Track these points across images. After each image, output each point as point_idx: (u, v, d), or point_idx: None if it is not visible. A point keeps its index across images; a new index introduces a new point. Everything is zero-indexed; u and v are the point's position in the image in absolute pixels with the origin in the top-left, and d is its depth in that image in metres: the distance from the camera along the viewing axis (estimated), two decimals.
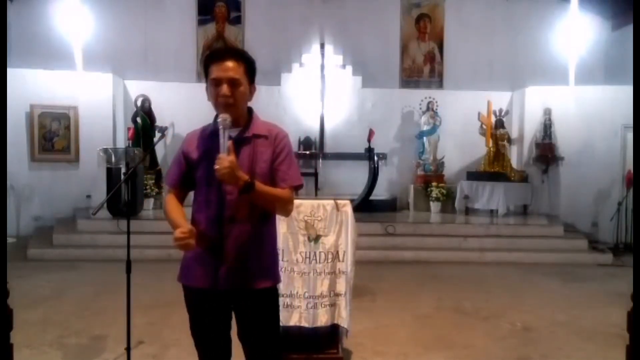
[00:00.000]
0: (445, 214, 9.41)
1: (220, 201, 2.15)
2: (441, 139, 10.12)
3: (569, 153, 9.53)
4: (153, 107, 9.45)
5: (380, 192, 9.68)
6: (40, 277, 6.25)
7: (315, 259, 3.52)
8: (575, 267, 7.36)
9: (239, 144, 2.14)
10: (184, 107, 9.22)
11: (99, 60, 9.36)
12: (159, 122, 9.18)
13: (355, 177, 9.44)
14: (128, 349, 3.44)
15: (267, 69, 9.05)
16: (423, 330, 4.65)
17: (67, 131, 9.12)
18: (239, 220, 2.15)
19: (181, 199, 2.29)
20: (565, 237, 8.33)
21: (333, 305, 3.53)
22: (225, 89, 2.12)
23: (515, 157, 10.13)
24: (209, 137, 2.21)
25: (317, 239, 3.53)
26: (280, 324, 2.43)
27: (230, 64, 2.14)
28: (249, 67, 2.20)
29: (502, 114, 9.82)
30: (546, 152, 9.59)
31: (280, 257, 3.20)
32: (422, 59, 10.90)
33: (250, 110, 2.27)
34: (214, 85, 2.14)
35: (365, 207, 8.53)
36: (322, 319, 3.50)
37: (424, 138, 10.09)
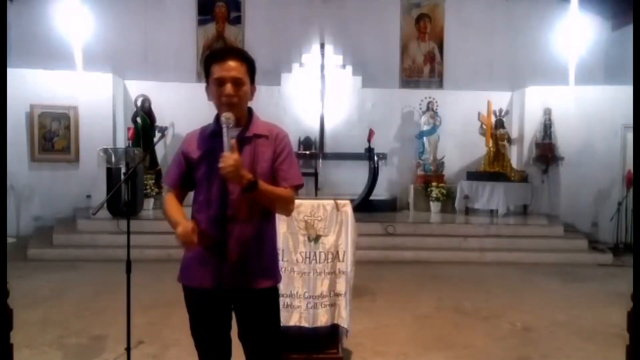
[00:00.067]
0: (445, 214, 9.41)
1: (221, 201, 2.15)
2: (441, 139, 10.12)
3: (569, 153, 9.53)
4: (153, 107, 9.46)
5: (380, 192, 9.68)
6: (40, 277, 6.25)
7: (315, 259, 3.52)
8: (575, 267, 7.36)
9: (240, 143, 2.14)
10: (184, 107, 9.22)
11: (99, 60, 9.36)
12: (159, 122, 9.18)
13: (355, 177, 9.45)
14: (128, 349, 3.44)
15: (267, 69, 9.06)
16: (423, 330, 4.65)
17: (67, 131, 9.12)
18: (241, 219, 2.15)
19: (181, 199, 2.29)
20: (565, 237, 8.33)
21: (333, 305, 3.53)
22: (229, 88, 2.12)
23: (515, 157, 10.13)
24: (209, 137, 2.22)
25: (317, 239, 3.53)
26: (281, 324, 2.43)
27: (233, 63, 2.14)
28: (251, 66, 2.21)
29: (502, 114, 9.82)
30: (546, 152, 9.59)
31: (280, 257, 3.20)
32: (422, 59, 10.90)
33: (250, 111, 2.27)
34: (217, 84, 2.14)
35: (365, 207, 8.53)
36: (322, 319, 3.50)
37: (424, 138, 10.09)
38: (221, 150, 2.04)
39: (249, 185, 2.04)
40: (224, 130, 2.06)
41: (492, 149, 9.69)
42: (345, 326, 3.56)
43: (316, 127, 10.20)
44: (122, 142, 9.33)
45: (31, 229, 8.77)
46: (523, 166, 9.90)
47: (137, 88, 9.73)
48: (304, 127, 10.16)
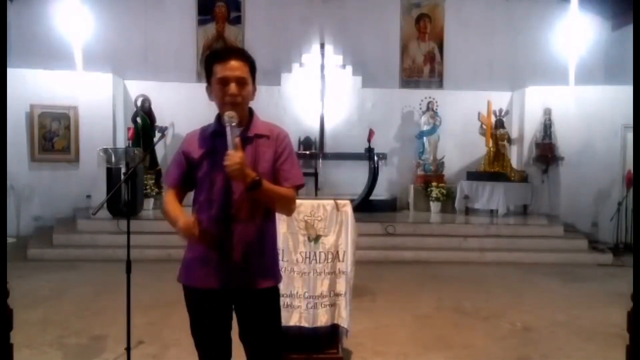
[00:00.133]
0: (445, 214, 9.41)
1: (223, 200, 2.15)
2: (441, 139, 10.12)
3: (569, 153, 9.53)
4: (153, 107, 9.46)
5: (380, 192, 9.68)
6: (40, 277, 6.25)
7: (315, 259, 3.52)
8: (575, 267, 7.36)
9: (241, 143, 2.14)
10: (184, 107, 9.22)
11: (99, 60, 9.36)
12: (159, 122, 9.18)
13: (355, 177, 9.44)
14: (128, 349, 3.44)
15: (267, 69, 9.05)
16: (423, 330, 4.65)
17: (67, 131, 9.12)
18: (243, 219, 2.16)
19: (180, 199, 2.28)
20: (565, 237, 8.33)
21: (333, 305, 3.53)
22: (233, 87, 2.13)
23: (515, 157, 10.13)
24: (210, 137, 2.22)
25: (317, 239, 3.53)
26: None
27: (236, 63, 2.15)
28: (252, 66, 2.22)
29: (502, 114, 9.82)
30: (546, 152, 9.59)
31: (280, 257, 3.20)
32: (422, 59, 10.90)
33: (250, 111, 2.27)
34: (220, 84, 2.14)
35: (365, 207, 8.53)
36: (322, 319, 3.50)
37: (424, 138, 10.09)
38: (223, 149, 2.05)
39: (253, 183, 2.04)
40: (228, 128, 2.06)
41: (492, 149, 9.69)
42: (345, 326, 3.56)
43: (316, 127, 10.20)
44: (122, 142, 9.33)
45: (31, 229, 8.77)
46: (523, 166, 9.90)
47: (137, 88, 9.73)
48: (304, 127, 10.16)
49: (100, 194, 7.75)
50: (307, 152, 9.91)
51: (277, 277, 2.29)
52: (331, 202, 3.58)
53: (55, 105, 9.01)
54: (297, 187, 2.26)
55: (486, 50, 10.62)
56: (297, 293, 3.50)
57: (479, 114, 9.74)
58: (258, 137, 2.21)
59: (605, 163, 9.26)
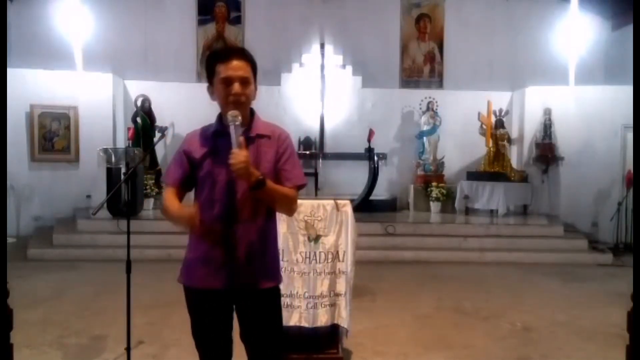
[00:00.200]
0: (445, 214, 9.41)
1: (225, 200, 2.15)
2: (441, 139, 10.12)
3: (569, 153, 9.53)
4: (153, 107, 9.46)
5: (380, 192, 9.68)
6: (40, 277, 6.25)
7: (315, 259, 3.52)
8: (575, 267, 7.36)
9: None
10: (184, 107, 9.22)
11: (99, 60, 9.36)
12: (159, 122, 9.18)
13: (355, 177, 9.44)
14: (128, 349, 3.44)
15: (267, 69, 9.03)
16: (423, 330, 4.65)
17: (67, 131, 9.12)
18: (245, 219, 2.16)
19: (180, 198, 2.26)
20: (565, 237, 8.33)
21: (333, 305, 3.53)
22: (237, 87, 2.13)
23: (515, 157, 10.13)
24: (212, 137, 2.21)
25: (317, 239, 3.53)
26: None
27: (239, 63, 2.15)
28: (254, 66, 2.22)
29: (502, 114, 9.82)
30: (546, 152, 9.59)
31: (280, 257, 3.20)
32: (422, 59, 10.90)
33: (252, 111, 2.27)
34: (224, 84, 2.14)
35: (365, 207, 8.53)
36: (322, 319, 3.50)
37: (424, 138, 10.09)
38: (225, 149, 2.05)
39: (258, 183, 2.04)
40: (232, 127, 2.06)
41: (492, 149, 9.69)
42: (345, 326, 3.56)
43: (316, 127, 10.20)
44: (122, 142, 9.33)
45: (31, 229, 8.77)
46: (523, 166, 9.90)
47: (137, 88, 9.73)
48: (304, 127, 10.16)
49: (100, 194, 7.75)
50: (307, 152, 9.91)
51: (278, 278, 2.29)
52: (331, 202, 3.58)
53: (55, 105, 9.01)
54: (299, 187, 2.26)
55: (486, 50, 10.62)
56: (297, 293, 3.50)
57: (479, 114, 9.74)
58: (260, 137, 2.21)
59: (605, 163, 9.26)
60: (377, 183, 8.71)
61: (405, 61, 10.89)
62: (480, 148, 9.89)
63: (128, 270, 3.37)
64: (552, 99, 9.69)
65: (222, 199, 2.15)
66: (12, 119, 8.21)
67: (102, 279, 6.06)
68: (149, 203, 8.76)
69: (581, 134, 9.45)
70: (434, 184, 9.62)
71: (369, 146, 9.22)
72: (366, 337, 4.31)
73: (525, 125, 9.93)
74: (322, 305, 3.50)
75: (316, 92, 10.18)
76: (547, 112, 9.64)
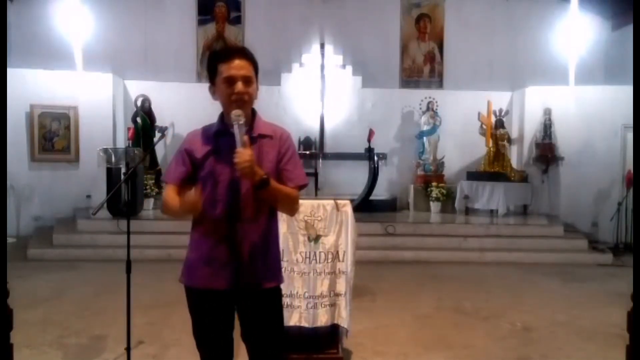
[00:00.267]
0: (445, 214, 9.41)
1: (228, 199, 2.14)
2: (441, 139, 10.12)
3: (569, 153, 9.53)
4: (153, 107, 9.46)
5: (380, 192, 9.68)
6: (40, 277, 6.25)
7: (315, 259, 3.52)
8: (575, 267, 7.36)
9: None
10: (184, 107, 9.23)
11: (99, 60, 9.36)
12: (159, 122, 9.18)
13: (355, 177, 9.45)
14: (128, 349, 3.44)
15: (267, 69, 8.99)
16: (423, 330, 4.65)
17: (67, 131, 9.12)
18: (247, 218, 2.15)
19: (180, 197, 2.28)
20: (565, 237, 8.33)
21: (333, 305, 3.54)
22: (240, 86, 2.13)
23: (515, 157, 10.13)
24: (213, 137, 2.21)
25: (317, 239, 3.53)
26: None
27: (241, 62, 2.15)
28: (256, 66, 2.22)
29: (502, 114, 9.82)
30: (546, 152, 9.59)
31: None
32: (422, 59, 10.90)
33: (253, 111, 2.26)
34: (227, 83, 2.14)
35: (365, 207, 8.54)
36: (322, 319, 3.51)
37: (424, 138, 10.09)
38: (227, 148, 2.06)
39: (262, 182, 2.04)
40: (236, 126, 2.06)
41: (492, 149, 9.69)
42: (345, 326, 3.56)
43: (316, 127, 10.20)
44: (122, 142, 9.33)
45: (31, 229, 8.77)
46: (523, 166, 9.90)
47: (137, 88, 9.73)
48: (304, 127, 10.15)
49: (100, 194, 7.76)
50: (307, 152, 9.91)
51: (279, 278, 2.30)
52: (331, 202, 3.59)
53: (55, 105, 9.01)
54: (301, 187, 2.27)
55: (486, 50, 10.62)
56: (297, 293, 3.50)
57: (479, 114, 9.74)
58: (261, 137, 2.21)
59: (605, 163, 9.26)
60: (377, 183, 8.72)
61: (405, 61, 10.90)
62: (480, 148, 9.89)
63: (128, 270, 3.37)
64: (552, 99, 9.69)
65: (225, 198, 2.15)
66: (12, 119, 8.21)
67: (102, 279, 6.06)
68: (149, 203, 8.76)
69: (581, 134, 9.45)
70: (434, 184, 9.62)
71: (369, 146, 9.22)
72: (366, 337, 4.31)
73: (525, 125, 9.93)
74: (322, 305, 3.50)
75: (316, 92, 10.18)
76: (547, 112, 9.64)
